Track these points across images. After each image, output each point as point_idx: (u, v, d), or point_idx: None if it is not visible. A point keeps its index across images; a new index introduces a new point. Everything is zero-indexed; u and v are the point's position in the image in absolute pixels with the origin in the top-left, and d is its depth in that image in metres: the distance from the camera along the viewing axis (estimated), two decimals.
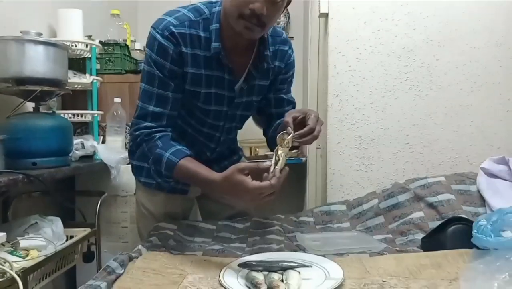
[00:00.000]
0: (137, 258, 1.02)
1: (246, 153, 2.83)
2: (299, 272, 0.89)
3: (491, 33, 1.55)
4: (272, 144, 1.29)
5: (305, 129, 1.00)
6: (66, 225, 1.49)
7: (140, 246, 1.10)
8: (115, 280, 0.90)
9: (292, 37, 3.12)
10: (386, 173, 1.57)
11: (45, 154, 1.40)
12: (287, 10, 3.06)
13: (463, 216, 1.19)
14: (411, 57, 1.56)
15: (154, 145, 1.09)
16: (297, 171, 2.27)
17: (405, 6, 1.56)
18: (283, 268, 0.92)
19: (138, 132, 1.11)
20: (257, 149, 2.84)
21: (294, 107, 1.35)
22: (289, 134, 0.97)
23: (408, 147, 1.57)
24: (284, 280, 0.86)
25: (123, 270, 0.95)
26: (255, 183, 0.90)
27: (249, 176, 0.92)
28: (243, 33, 1.05)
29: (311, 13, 2.26)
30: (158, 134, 1.10)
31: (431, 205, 1.35)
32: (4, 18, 1.63)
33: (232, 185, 0.93)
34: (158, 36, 1.07)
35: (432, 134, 1.56)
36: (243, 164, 0.95)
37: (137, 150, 1.18)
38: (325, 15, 1.61)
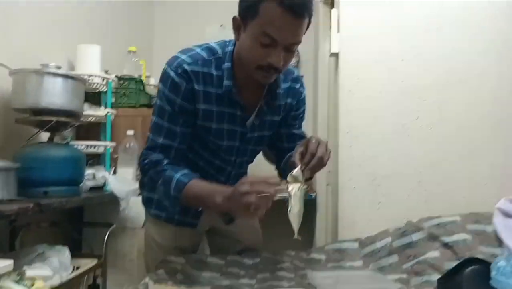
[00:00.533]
0: None
1: None
2: None
3: (502, 72, 1.56)
4: (284, 177, 1.29)
5: (307, 156, 1.00)
6: (73, 256, 1.47)
7: (147, 279, 1.07)
8: None
9: (303, 76, 3.17)
10: (399, 211, 1.54)
11: (56, 183, 1.41)
12: (298, 50, 3.16)
13: (481, 256, 1.15)
14: (422, 97, 1.57)
15: (162, 169, 1.11)
16: (306, 207, 2.24)
17: (415, 48, 1.59)
18: None
19: (146, 160, 1.14)
20: None
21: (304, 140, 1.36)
22: (296, 169, 0.97)
23: (421, 185, 1.55)
24: None
25: None
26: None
27: None
28: (261, 81, 1.09)
29: (321, 52, 2.31)
30: (166, 161, 1.12)
31: (446, 245, 1.31)
32: (26, 52, 1.70)
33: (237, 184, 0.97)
34: (172, 73, 1.10)
35: (446, 172, 1.55)
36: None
37: (144, 177, 1.19)
38: (336, 55, 1.65)
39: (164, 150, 1.13)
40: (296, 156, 1.03)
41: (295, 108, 1.29)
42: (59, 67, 1.52)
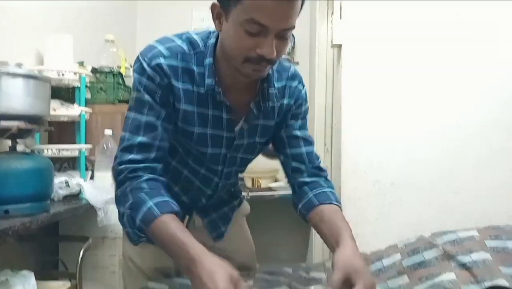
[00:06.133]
0: None
1: (248, 183, 2.65)
2: None
3: None
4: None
5: None
6: (45, 277, 1.33)
7: None
8: None
9: (298, 63, 2.99)
10: (409, 224, 1.39)
11: (19, 200, 1.24)
12: (293, 35, 2.96)
13: (503, 284, 1.01)
14: (435, 97, 1.40)
15: (138, 187, 0.93)
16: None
17: (429, 40, 1.40)
18: None
19: (122, 166, 0.94)
20: (259, 180, 2.65)
21: (311, 147, 1.17)
22: None
23: (435, 194, 1.39)
24: None
25: None
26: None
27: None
28: (251, 76, 0.92)
29: (319, 41, 2.12)
30: (146, 175, 0.94)
31: (464, 266, 1.16)
32: None
33: (207, 272, 0.79)
34: (145, 64, 0.94)
35: (462, 180, 1.39)
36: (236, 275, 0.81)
37: (118, 190, 0.99)
38: (338, 46, 1.46)
39: (143, 149, 0.95)
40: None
41: (293, 108, 1.11)
42: (19, 65, 1.32)
